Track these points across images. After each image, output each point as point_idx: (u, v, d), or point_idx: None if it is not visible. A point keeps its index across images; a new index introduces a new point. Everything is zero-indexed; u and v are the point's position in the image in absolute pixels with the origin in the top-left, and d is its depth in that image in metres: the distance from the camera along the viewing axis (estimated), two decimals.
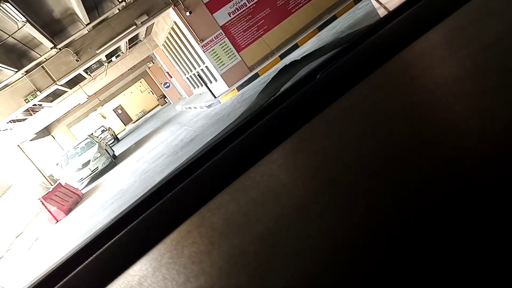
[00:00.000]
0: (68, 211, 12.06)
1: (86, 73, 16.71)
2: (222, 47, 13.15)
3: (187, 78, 18.86)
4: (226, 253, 0.54)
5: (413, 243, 0.38)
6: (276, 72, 1.38)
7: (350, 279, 0.39)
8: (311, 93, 0.84)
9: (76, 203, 12.70)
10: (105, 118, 41.28)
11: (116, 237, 0.73)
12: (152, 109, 41.16)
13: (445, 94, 0.56)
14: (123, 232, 0.73)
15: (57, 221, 11.74)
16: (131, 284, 0.61)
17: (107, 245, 0.72)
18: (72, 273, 0.70)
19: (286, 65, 1.42)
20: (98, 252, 0.71)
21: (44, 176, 18.56)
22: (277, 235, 0.51)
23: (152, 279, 0.58)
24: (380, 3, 3.95)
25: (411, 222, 0.40)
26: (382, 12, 4.10)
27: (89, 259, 0.70)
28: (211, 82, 14.35)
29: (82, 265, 0.70)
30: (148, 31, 17.45)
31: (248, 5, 13.24)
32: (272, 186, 0.63)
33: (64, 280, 0.70)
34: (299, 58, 1.45)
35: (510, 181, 0.37)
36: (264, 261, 0.48)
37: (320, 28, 12.22)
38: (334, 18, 12.20)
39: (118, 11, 12.35)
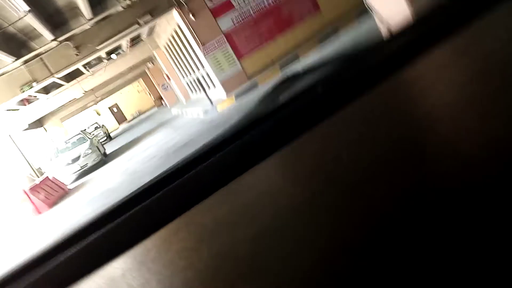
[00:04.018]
0: (52, 204, 12.02)
1: (85, 68, 16.71)
2: (224, 53, 13.21)
3: (186, 82, 18.91)
4: (215, 252, 0.54)
5: (405, 242, 0.38)
6: (277, 82, 1.38)
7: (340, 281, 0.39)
8: (310, 105, 0.85)
9: (61, 198, 12.65)
10: (99, 115, 41.30)
11: (102, 229, 0.72)
12: (148, 110, 41.22)
13: (438, 113, 0.60)
14: (109, 225, 0.72)
15: (40, 213, 11.70)
16: (113, 275, 0.61)
17: (92, 236, 0.71)
18: (55, 261, 0.69)
19: (287, 76, 1.42)
20: (83, 241, 0.70)
21: (32, 168, 18.45)
22: (267, 237, 0.52)
23: (137, 273, 0.58)
24: (382, 22, 3.98)
25: (400, 224, 0.41)
26: (384, 31, 4.14)
27: (72, 248, 0.69)
28: (209, 88, 14.39)
29: (64, 254, 0.69)
30: (151, 31, 17.52)
31: (253, 14, 13.33)
32: (264, 191, 0.65)
33: (46, 268, 0.69)
34: (301, 71, 1.44)
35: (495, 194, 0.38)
36: (252, 261, 0.49)
37: (322, 42, 12.32)
38: (336, 33, 12.31)
39: (122, 8, 12.38)
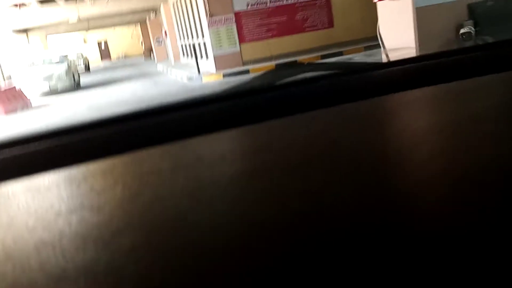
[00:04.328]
0: (9, 112, 11.71)
1: None
2: (228, 31, 13.10)
3: (181, 44, 18.63)
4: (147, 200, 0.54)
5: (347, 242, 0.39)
6: (272, 69, 1.41)
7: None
8: (307, 93, 0.87)
9: (21, 110, 12.31)
10: (85, 42, 40.13)
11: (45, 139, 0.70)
12: (135, 57, 40.32)
13: (402, 144, 0.62)
14: (51, 138, 0.71)
15: None
16: (72, 176, 0.62)
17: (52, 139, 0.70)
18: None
19: (289, 64, 1.46)
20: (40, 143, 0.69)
21: (2, 74, 17.75)
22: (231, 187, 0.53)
23: (101, 180, 0.60)
24: (388, 57, 4.07)
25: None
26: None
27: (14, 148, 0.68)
28: (202, 58, 14.24)
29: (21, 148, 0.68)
30: None
31: (268, 6, 13.28)
32: (211, 159, 0.65)
33: None
34: (305, 64, 1.48)
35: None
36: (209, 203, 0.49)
37: (324, 57, 12.38)
38: (340, 54, 12.39)
39: None
